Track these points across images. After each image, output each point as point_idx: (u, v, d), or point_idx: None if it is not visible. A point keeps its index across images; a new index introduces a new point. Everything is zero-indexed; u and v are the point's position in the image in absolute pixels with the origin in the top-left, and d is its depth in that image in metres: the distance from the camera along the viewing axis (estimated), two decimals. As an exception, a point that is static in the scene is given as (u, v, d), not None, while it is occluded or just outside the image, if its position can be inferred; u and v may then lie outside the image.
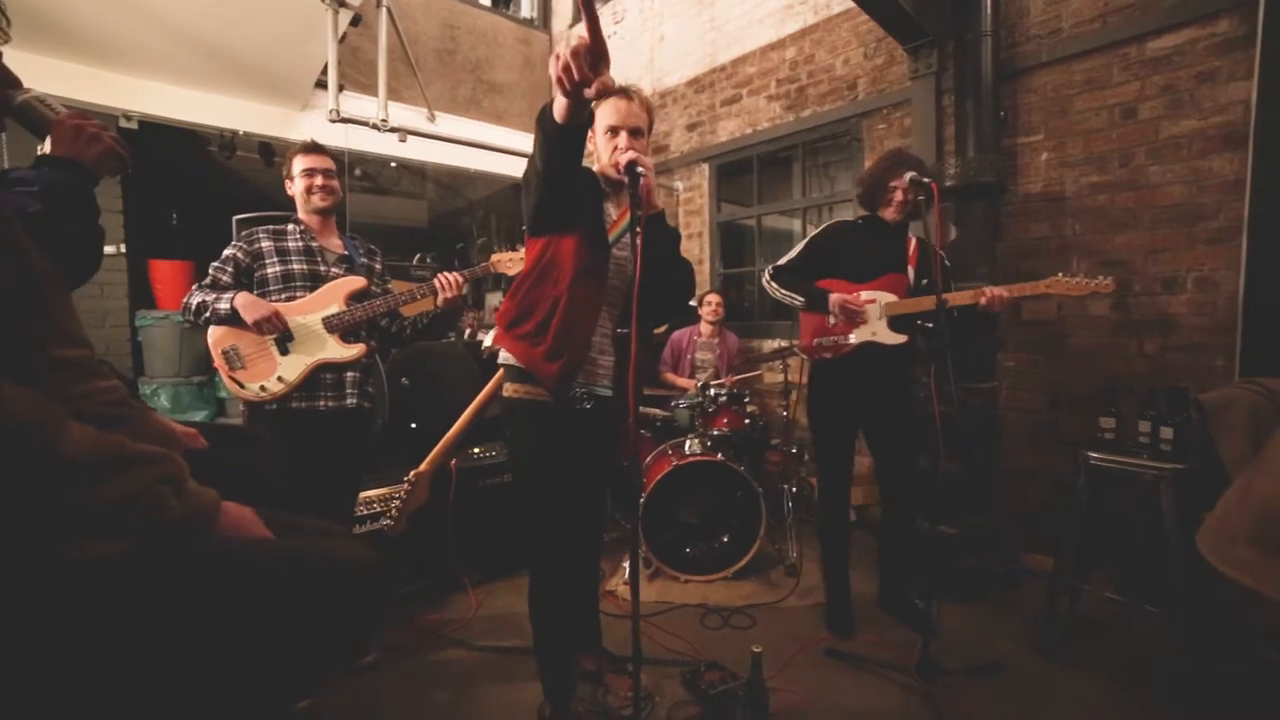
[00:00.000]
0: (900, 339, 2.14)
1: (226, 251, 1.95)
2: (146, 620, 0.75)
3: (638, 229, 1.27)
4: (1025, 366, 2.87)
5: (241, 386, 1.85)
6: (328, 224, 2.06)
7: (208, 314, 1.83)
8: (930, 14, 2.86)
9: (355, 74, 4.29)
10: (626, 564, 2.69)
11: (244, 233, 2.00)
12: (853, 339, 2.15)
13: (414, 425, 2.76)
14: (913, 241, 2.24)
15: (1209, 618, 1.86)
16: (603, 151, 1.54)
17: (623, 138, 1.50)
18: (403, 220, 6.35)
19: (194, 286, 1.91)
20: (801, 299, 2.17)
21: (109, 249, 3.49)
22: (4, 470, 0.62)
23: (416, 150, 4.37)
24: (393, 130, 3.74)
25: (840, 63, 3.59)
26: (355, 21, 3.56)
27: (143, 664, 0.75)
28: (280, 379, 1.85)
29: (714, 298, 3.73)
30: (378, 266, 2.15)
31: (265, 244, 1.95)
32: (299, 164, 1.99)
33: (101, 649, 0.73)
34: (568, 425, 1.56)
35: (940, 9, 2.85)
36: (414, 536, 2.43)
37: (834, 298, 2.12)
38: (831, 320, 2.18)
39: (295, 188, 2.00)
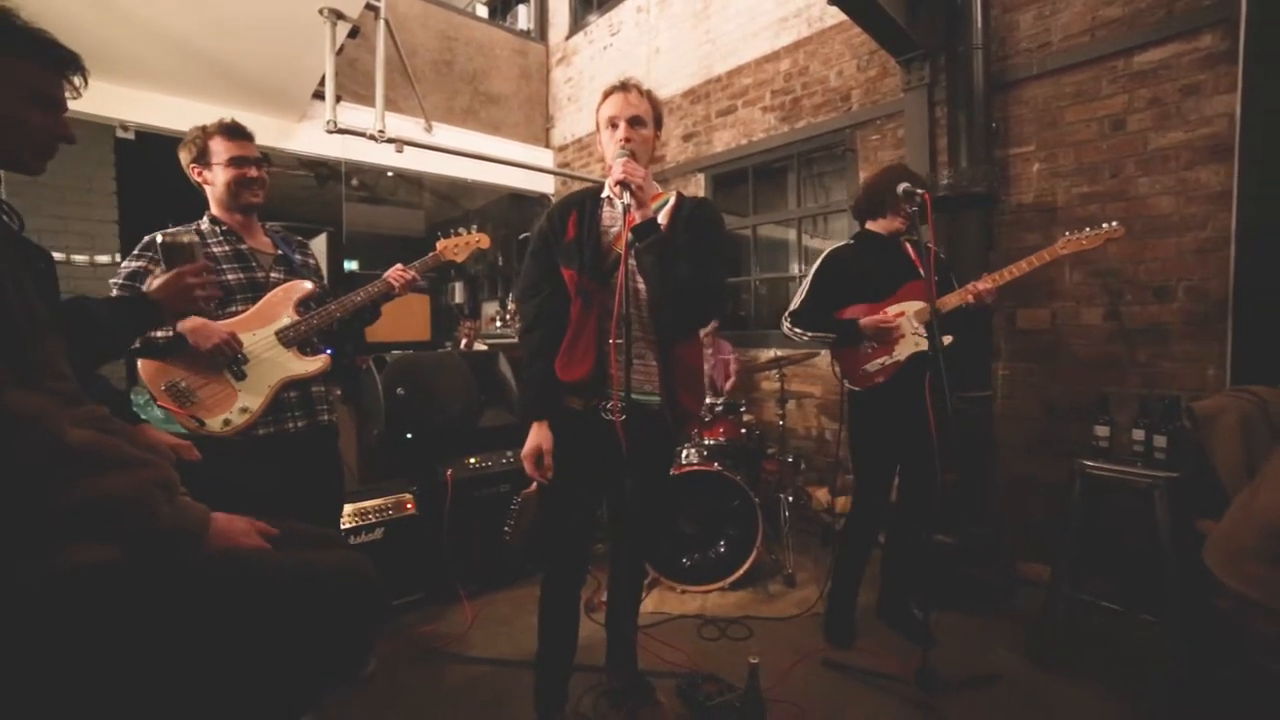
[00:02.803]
0: (947, 339, 2.02)
1: (130, 265, 1.59)
2: (139, 633, 0.75)
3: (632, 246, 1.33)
4: (1020, 375, 2.88)
5: (202, 424, 1.57)
6: (251, 221, 1.79)
7: (136, 345, 1.51)
8: (922, 27, 2.90)
9: (353, 85, 4.31)
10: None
11: (149, 239, 1.62)
12: (901, 355, 2.09)
13: (409, 436, 2.75)
14: (909, 247, 2.23)
15: (1205, 627, 1.87)
16: (606, 146, 1.54)
17: (622, 128, 1.50)
18: (399, 230, 6.38)
19: None
20: (833, 336, 2.13)
21: (103, 258, 3.50)
22: (10, 456, 0.65)
23: (413, 160, 4.40)
24: (390, 141, 3.75)
25: (834, 75, 3.63)
26: (353, 33, 3.58)
27: (136, 677, 0.75)
28: (244, 409, 1.61)
29: None
30: (311, 262, 1.94)
31: None
32: (224, 150, 1.67)
33: (94, 660, 0.72)
34: (593, 433, 1.54)
35: (932, 22, 2.89)
36: (408, 547, 2.43)
37: (864, 321, 2.08)
38: (868, 347, 2.12)
39: (216, 178, 1.68)
